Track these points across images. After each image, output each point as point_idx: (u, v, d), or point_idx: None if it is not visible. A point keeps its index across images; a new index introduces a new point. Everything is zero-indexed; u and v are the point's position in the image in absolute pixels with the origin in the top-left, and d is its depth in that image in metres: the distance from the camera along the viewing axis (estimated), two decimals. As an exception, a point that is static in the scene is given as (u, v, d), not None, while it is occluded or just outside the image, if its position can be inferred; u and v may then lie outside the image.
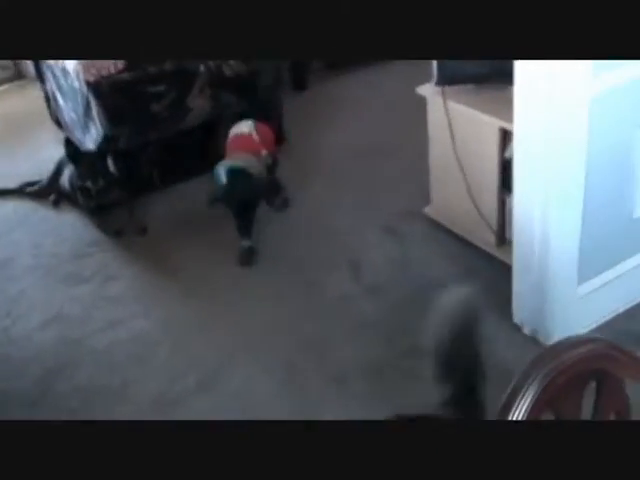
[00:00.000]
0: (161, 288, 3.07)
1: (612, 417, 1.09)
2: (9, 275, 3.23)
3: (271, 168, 3.25)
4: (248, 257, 3.06)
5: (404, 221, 3.18)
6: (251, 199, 3.03)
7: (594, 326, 2.40)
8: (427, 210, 3.12)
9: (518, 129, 2.16)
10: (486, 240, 2.81)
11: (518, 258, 2.37)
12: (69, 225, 3.50)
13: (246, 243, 3.06)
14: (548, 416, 1.02)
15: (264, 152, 3.16)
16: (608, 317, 2.45)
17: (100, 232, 3.39)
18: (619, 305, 2.48)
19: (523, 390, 1.02)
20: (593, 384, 1.07)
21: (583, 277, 2.34)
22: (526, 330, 2.44)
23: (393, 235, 3.12)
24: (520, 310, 2.45)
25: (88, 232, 3.43)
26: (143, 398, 2.49)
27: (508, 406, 1.02)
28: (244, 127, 3.21)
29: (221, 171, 2.97)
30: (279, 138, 3.58)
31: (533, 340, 2.41)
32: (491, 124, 2.56)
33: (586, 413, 1.07)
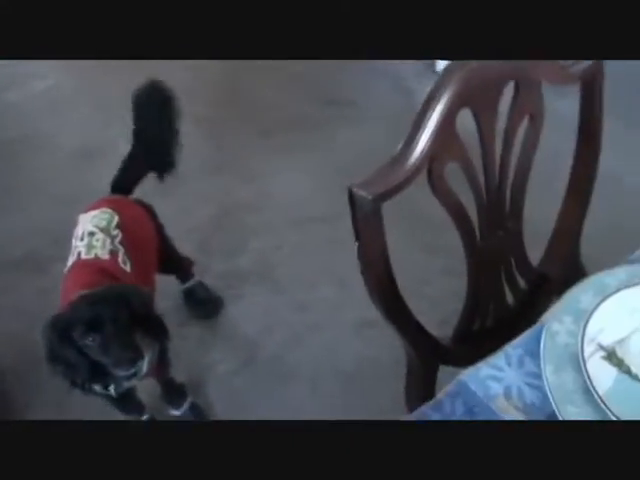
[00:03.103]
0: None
1: (526, 119, 1.09)
2: None
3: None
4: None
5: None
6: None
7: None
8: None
9: None
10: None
11: None
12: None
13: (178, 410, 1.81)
14: (465, 114, 1.01)
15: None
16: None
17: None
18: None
19: (440, 92, 1.00)
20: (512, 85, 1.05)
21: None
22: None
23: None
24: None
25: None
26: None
27: (425, 109, 1.00)
28: (97, 240, 1.48)
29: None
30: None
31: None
32: None
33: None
